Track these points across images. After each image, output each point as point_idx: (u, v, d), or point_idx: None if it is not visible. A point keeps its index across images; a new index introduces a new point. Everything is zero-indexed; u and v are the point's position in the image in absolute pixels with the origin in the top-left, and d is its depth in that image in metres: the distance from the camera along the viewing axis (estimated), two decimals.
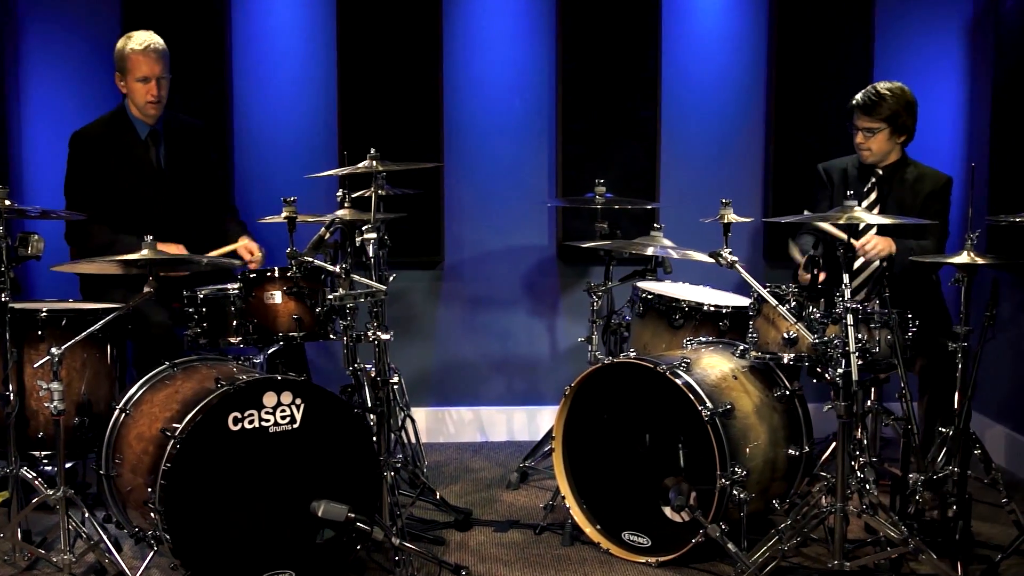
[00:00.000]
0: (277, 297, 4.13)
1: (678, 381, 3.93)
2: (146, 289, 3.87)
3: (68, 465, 4.12)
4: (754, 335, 4.04)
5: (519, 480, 5.00)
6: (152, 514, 3.55)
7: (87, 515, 3.88)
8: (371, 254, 3.92)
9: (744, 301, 4.55)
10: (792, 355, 3.94)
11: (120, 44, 4.69)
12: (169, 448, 3.52)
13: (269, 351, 4.34)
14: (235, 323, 4.15)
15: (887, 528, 3.75)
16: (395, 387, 4.49)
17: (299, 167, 5.38)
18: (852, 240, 3.85)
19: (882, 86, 4.63)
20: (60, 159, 4.74)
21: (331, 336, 4.20)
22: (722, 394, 3.99)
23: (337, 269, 3.90)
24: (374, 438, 3.86)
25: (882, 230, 4.56)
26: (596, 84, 5.59)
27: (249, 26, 5.49)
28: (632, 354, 4.29)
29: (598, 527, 4.21)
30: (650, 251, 4.56)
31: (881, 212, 4.64)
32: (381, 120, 5.47)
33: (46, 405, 3.74)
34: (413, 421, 4.90)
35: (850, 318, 3.62)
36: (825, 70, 5.61)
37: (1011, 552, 3.93)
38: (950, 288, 4.17)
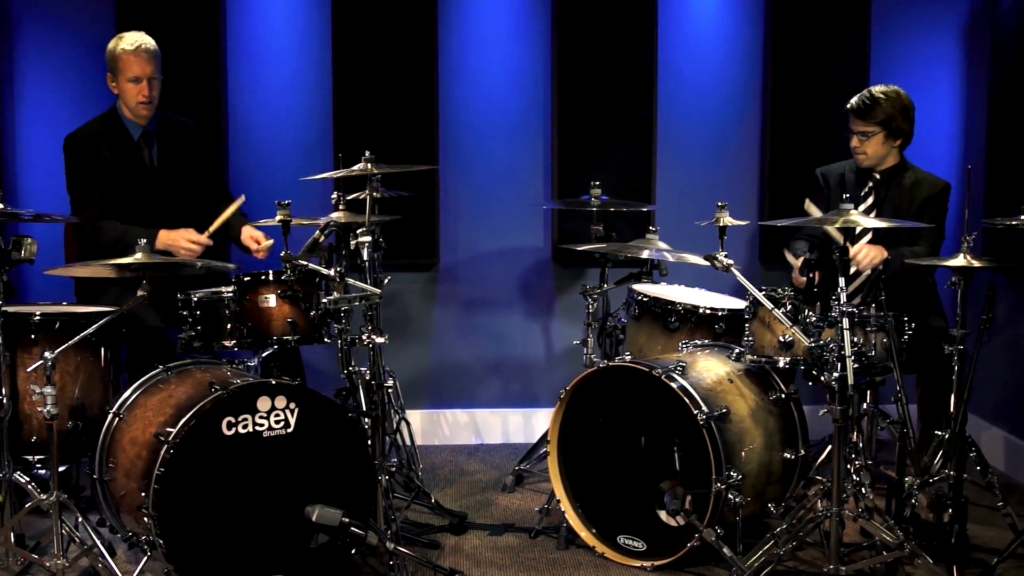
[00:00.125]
0: (271, 300, 4.12)
1: (673, 385, 3.92)
2: (140, 292, 3.86)
3: (61, 469, 4.10)
4: (750, 338, 4.04)
5: (514, 483, 5.00)
6: (146, 519, 3.55)
7: (80, 519, 3.87)
8: (366, 257, 3.91)
9: (740, 303, 4.55)
10: (788, 359, 3.93)
11: (111, 44, 4.67)
12: (163, 453, 3.51)
13: (264, 354, 4.33)
14: (229, 326, 4.12)
15: (883, 532, 3.74)
16: (390, 391, 4.48)
17: (294, 169, 5.35)
18: (847, 244, 3.84)
19: (877, 90, 4.62)
20: (54, 162, 4.72)
21: (325, 340, 4.19)
22: (718, 398, 3.98)
23: (332, 272, 3.88)
24: (369, 442, 3.84)
25: (876, 236, 4.56)
26: (592, 85, 5.58)
27: (243, 27, 5.47)
28: (627, 357, 4.28)
29: (593, 531, 4.20)
30: (645, 254, 4.55)
31: (877, 217, 4.63)
32: (376, 121, 5.46)
33: (39, 409, 3.72)
34: (408, 424, 4.90)
35: (846, 322, 3.61)
36: (821, 71, 5.60)
37: (1007, 556, 3.92)
38: (946, 291, 4.17)
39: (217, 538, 3.58)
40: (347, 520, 3.64)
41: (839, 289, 3.68)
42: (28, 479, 3.88)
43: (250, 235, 4.68)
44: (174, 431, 3.54)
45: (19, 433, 3.97)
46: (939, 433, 4.07)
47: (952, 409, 4.01)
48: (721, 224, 4.00)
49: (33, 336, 3.97)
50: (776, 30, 5.61)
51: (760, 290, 3.94)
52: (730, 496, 3.83)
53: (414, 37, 5.48)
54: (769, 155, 5.66)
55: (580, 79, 5.57)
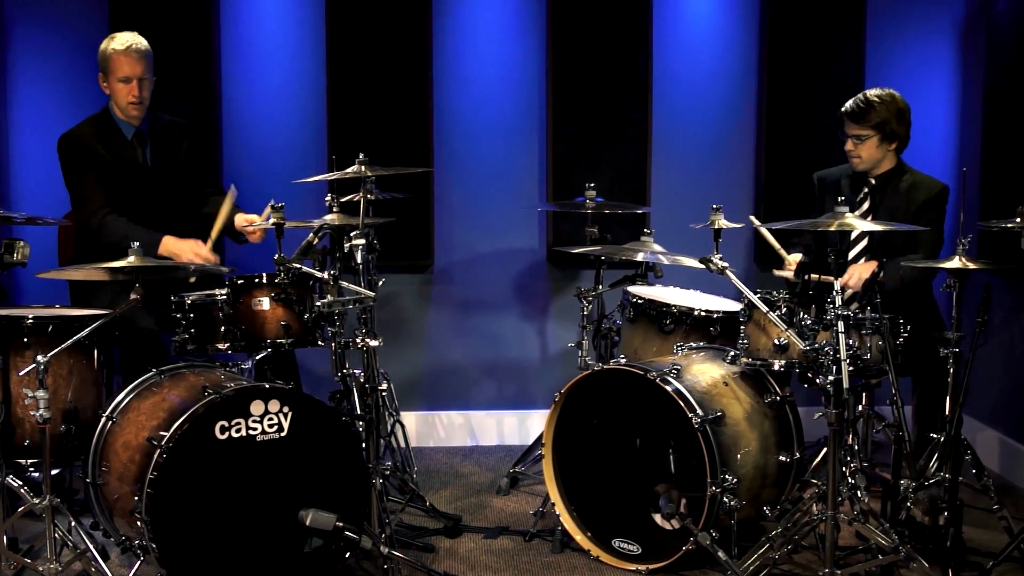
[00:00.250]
0: (265, 303, 4.10)
1: (668, 388, 3.91)
2: (132, 296, 3.84)
3: (54, 472, 4.09)
4: (745, 341, 4.03)
5: (509, 485, 4.98)
6: (139, 523, 3.52)
7: (73, 524, 3.85)
8: (359, 260, 3.90)
9: (735, 306, 4.55)
10: (783, 361, 3.92)
11: (103, 44, 4.66)
12: (155, 457, 3.49)
13: (257, 357, 4.31)
14: (223, 329, 4.11)
15: (878, 536, 3.73)
16: (384, 394, 4.46)
17: (288, 171, 5.34)
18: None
19: (872, 93, 4.61)
20: (47, 164, 4.71)
21: (319, 343, 4.17)
22: (713, 401, 3.97)
23: (325, 275, 3.87)
24: (363, 445, 3.83)
25: (871, 242, 4.56)
26: (587, 86, 5.57)
27: (237, 28, 5.46)
28: (622, 360, 4.27)
29: (588, 534, 4.19)
30: (640, 257, 4.54)
31: (873, 222, 4.61)
32: (370, 122, 5.45)
33: (32, 413, 3.70)
34: (403, 426, 4.89)
35: (841, 325, 3.60)
36: (817, 72, 5.59)
37: (1003, 559, 3.92)
38: (942, 293, 4.16)
39: (210, 543, 3.56)
40: (341, 524, 3.62)
41: (834, 292, 3.66)
42: (21, 483, 3.85)
43: (244, 218, 4.67)
44: (167, 435, 3.52)
45: (12, 437, 3.95)
46: (935, 436, 4.07)
47: (948, 412, 4.01)
48: (716, 227, 3.99)
49: (26, 339, 3.95)
50: (771, 30, 5.60)
51: (755, 293, 3.93)
52: (725, 499, 3.82)
53: (408, 38, 5.47)
54: (764, 156, 5.66)
55: (575, 80, 5.56)
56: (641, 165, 5.60)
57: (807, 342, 3.76)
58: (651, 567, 3.99)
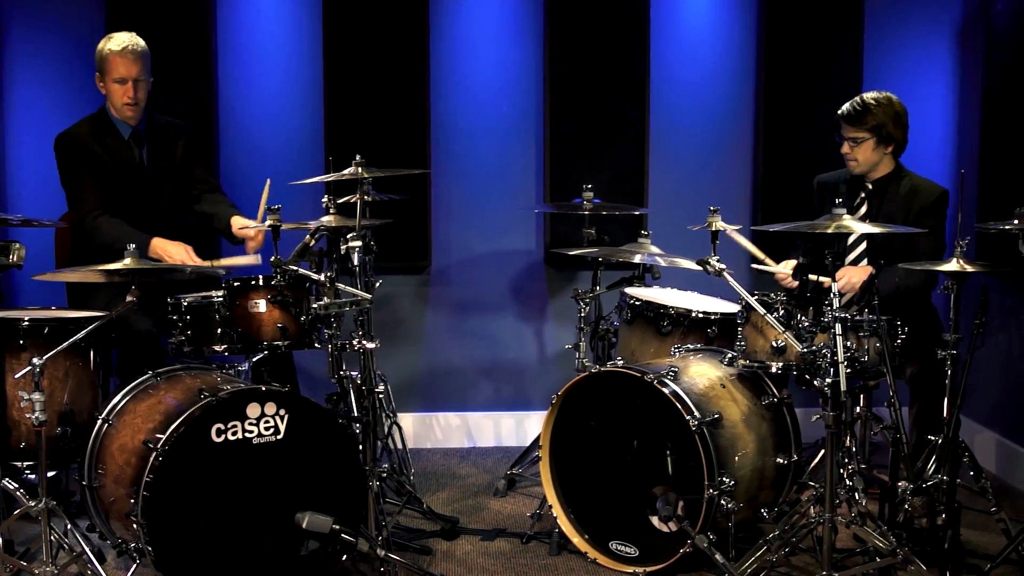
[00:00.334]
0: (261, 306, 4.10)
1: (665, 390, 3.90)
2: (128, 298, 3.83)
3: (50, 475, 4.08)
4: (742, 343, 4.02)
5: (506, 487, 4.98)
6: (135, 526, 3.52)
7: (69, 526, 3.84)
8: (356, 262, 3.89)
9: (732, 307, 4.54)
10: (780, 364, 3.92)
11: (101, 44, 4.66)
12: (151, 460, 3.49)
13: (254, 359, 4.31)
14: (219, 331, 4.11)
15: (875, 538, 3.73)
16: (381, 396, 4.45)
17: (285, 172, 5.29)
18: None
19: (868, 96, 4.60)
20: (43, 166, 4.71)
21: (316, 345, 4.17)
22: (710, 403, 3.97)
23: (322, 278, 3.86)
24: (359, 447, 3.82)
25: (870, 247, 4.55)
26: (584, 87, 5.56)
27: (234, 29, 5.45)
28: (619, 362, 4.27)
29: (586, 537, 4.18)
30: (637, 259, 4.53)
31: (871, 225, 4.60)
32: (367, 123, 5.44)
33: (28, 415, 3.70)
34: (400, 428, 4.88)
35: (838, 327, 3.59)
36: (815, 72, 5.58)
37: (1001, 561, 3.91)
38: (940, 295, 4.15)
39: (206, 546, 3.56)
40: (338, 527, 3.61)
41: (831, 295, 3.66)
42: (16, 485, 3.84)
43: (241, 223, 4.64)
44: (163, 438, 3.51)
45: (7, 439, 3.95)
46: (932, 438, 4.06)
47: (946, 414, 4.00)
48: (713, 229, 3.98)
49: (22, 342, 3.95)
50: (769, 31, 5.59)
51: (752, 295, 3.93)
52: (723, 502, 3.81)
53: (406, 39, 5.46)
54: (762, 158, 5.64)
55: (572, 81, 5.55)
56: (639, 166, 5.59)
57: (805, 344, 3.76)
58: (648, 569, 3.98)
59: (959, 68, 5.71)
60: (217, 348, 4.11)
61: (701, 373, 4.14)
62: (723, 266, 3.92)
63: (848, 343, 3.74)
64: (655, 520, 3.95)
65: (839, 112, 4.63)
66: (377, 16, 5.42)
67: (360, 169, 3.96)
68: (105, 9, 5.25)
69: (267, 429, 3.65)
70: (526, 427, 5.74)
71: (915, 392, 4.53)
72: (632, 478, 4.05)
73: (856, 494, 3.84)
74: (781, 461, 4.10)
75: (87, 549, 3.79)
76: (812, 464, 4.51)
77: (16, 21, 5.32)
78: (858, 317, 3.87)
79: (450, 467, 5.40)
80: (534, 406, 5.74)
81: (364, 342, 3.80)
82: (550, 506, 4.22)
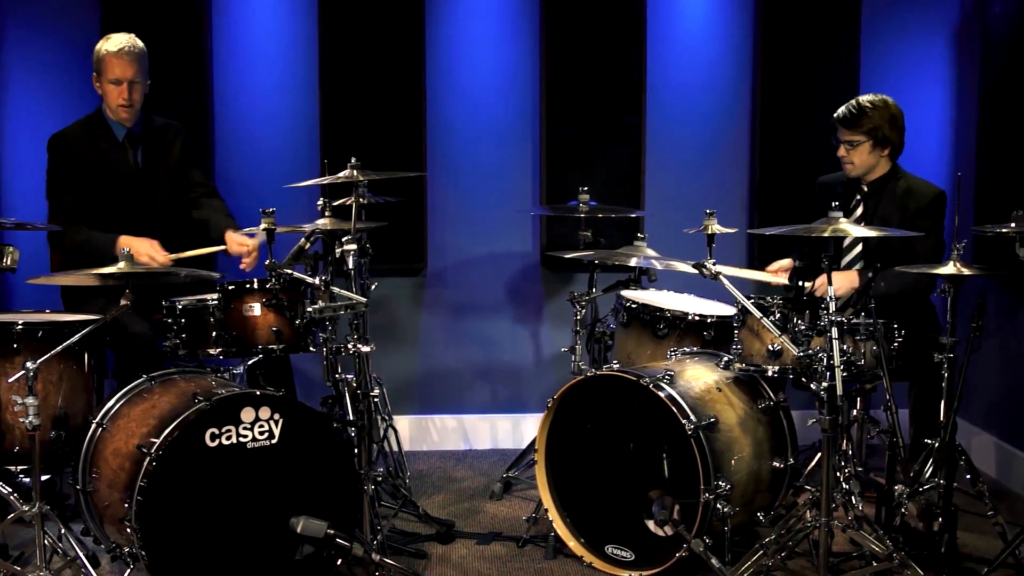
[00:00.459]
0: (256, 309, 4.09)
1: (661, 394, 3.89)
2: (123, 302, 3.82)
3: (44, 479, 4.07)
4: (738, 346, 4.01)
5: (502, 490, 4.97)
6: (128, 531, 3.51)
7: (63, 530, 3.83)
8: (351, 265, 3.88)
9: (729, 310, 4.53)
10: (776, 367, 3.91)
11: (98, 45, 4.65)
12: (145, 464, 3.48)
13: (249, 362, 4.30)
14: (214, 334, 4.09)
15: (872, 542, 3.72)
16: (376, 399, 4.44)
17: (280, 175, 5.31)
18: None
19: (864, 99, 4.59)
20: (38, 169, 4.69)
21: (311, 348, 4.16)
22: (706, 407, 3.96)
23: (317, 281, 3.85)
24: (354, 452, 3.81)
25: (866, 249, 4.54)
26: (580, 89, 5.54)
27: (230, 31, 5.44)
28: (615, 366, 4.26)
29: (581, 540, 4.17)
30: (633, 262, 4.52)
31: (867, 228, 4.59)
32: (363, 125, 5.43)
33: (22, 419, 3.69)
34: (395, 430, 4.87)
35: (835, 331, 3.58)
36: (812, 74, 5.57)
37: (997, 565, 3.90)
38: (938, 298, 4.14)
39: (201, 551, 3.55)
40: (332, 532, 3.61)
41: (828, 298, 3.65)
42: (10, 489, 3.84)
43: (238, 242, 4.60)
44: (157, 442, 3.50)
45: (1, 443, 3.94)
46: (929, 441, 4.05)
47: (942, 417, 4.00)
48: (709, 232, 3.97)
49: (15, 345, 3.93)
50: (766, 33, 5.58)
51: (749, 298, 3.92)
52: (719, 506, 3.80)
53: (401, 42, 5.44)
54: (759, 160, 5.63)
55: (568, 83, 5.54)
56: (635, 169, 5.58)
57: (801, 348, 3.75)
58: (644, 573, 3.97)
59: (956, 70, 5.70)
60: (212, 351, 4.10)
61: (697, 376, 4.13)
62: (719, 269, 3.92)
63: (844, 346, 3.73)
64: (651, 524, 3.94)
65: (835, 115, 4.63)
66: (373, 18, 5.41)
67: (355, 172, 3.95)
68: (100, 10, 5.24)
69: (261, 433, 3.64)
70: (522, 429, 5.73)
71: (912, 395, 4.52)
72: (628, 482, 4.04)
73: (852, 498, 3.84)
74: (777, 465, 4.09)
75: (81, 553, 3.78)
76: (808, 468, 4.49)
77: (12, 22, 5.30)
78: (855, 320, 3.86)
79: (446, 470, 5.39)
80: (530, 409, 5.72)
81: (359, 345, 3.79)
82: (546, 510, 4.21)
